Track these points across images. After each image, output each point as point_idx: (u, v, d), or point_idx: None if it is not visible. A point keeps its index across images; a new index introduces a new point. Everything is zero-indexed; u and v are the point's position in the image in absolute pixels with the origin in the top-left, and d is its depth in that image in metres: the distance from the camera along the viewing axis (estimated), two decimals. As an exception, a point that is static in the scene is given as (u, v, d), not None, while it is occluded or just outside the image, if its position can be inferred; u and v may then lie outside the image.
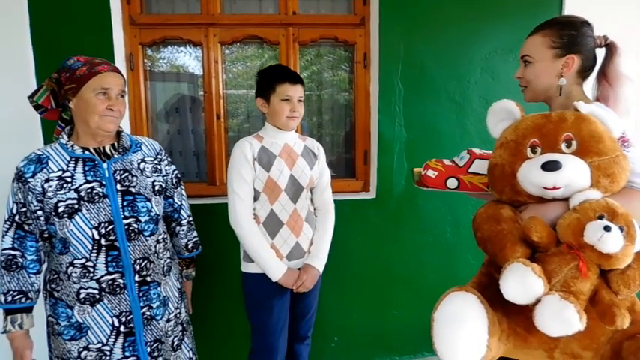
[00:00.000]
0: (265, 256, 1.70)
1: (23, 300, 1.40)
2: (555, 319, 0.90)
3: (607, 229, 0.92)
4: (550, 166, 1.00)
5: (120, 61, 2.12)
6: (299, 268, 1.78)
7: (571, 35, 1.20)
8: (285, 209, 1.74)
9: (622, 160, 1.04)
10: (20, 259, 1.39)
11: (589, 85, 1.29)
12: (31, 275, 1.41)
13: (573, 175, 1.00)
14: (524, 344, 1.05)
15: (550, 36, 1.22)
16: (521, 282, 0.93)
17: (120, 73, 1.45)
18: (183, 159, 2.42)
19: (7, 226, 1.39)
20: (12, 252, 1.39)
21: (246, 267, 1.77)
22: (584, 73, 1.24)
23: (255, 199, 1.73)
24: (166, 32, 2.21)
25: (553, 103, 1.28)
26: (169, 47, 2.35)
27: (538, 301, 0.94)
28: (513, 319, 1.04)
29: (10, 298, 1.38)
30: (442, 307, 0.99)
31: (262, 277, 1.72)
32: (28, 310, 1.42)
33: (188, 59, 2.38)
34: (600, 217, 0.96)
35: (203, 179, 2.41)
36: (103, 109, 1.38)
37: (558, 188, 1.02)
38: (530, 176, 1.04)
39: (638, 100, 1.26)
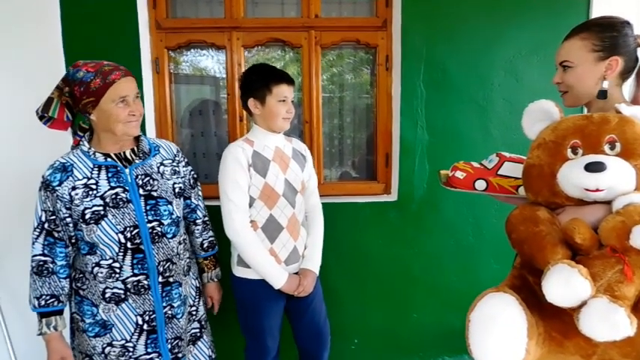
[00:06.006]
0: (267, 265, 1.66)
1: (55, 303, 1.44)
2: (603, 323, 0.87)
3: None
4: (594, 167, 0.97)
5: (146, 65, 2.15)
6: (296, 273, 1.75)
7: (613, 37, 1.15)
8: (284, 213, 1.71)
9: (668, 163, 1.02)
10: (51, 265, 1.43)
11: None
12: (61, 280, 1.45)
13: (618, 177, 0.98)
14: (559, 349, 1.02)
15: (590, 39, 1.17)
16: (566, 284, 0.90)
17: (130, 74, 1.44)
18: (206, 161, 2.44)
19: (37, 233, 1.43)
20: (42, 258, 1.43)
21: (241, 272, 1.73)
22: (625, 74, 1.20)
23: (250, 205, 1.67)
24: (191, 36, 2.23)
25: (591, 107, 1.24)
26: (192, 50, 2.37)
27: (579, 305, 0.91)
28: (549, 322, 1.02)
29: (43, 302, 1.43)
30: (479, 308, 0.97)
31: (257, 282, 1.69)
32: (60, 312, 1.46)
33: (210, 62, 2.40)
34: None
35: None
36: (125, 116, 1.40)
37: (601, 190, 0.99)
38: (572, 177, 1.02)
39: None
